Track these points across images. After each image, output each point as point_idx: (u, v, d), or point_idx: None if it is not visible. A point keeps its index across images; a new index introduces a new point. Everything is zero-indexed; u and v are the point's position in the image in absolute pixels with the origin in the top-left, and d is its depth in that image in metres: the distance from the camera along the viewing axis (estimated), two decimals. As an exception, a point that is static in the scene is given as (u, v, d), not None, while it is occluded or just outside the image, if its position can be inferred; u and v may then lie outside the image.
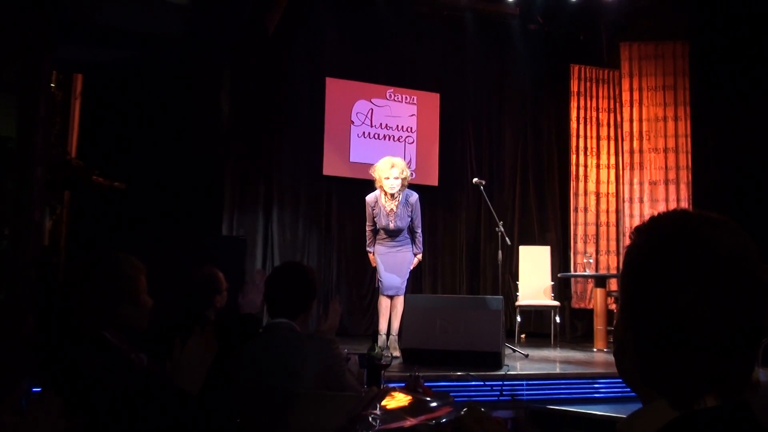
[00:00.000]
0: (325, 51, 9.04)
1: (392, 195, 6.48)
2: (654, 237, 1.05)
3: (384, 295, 6.60)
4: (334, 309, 3.33)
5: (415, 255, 6.73)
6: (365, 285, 8.97)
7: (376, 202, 6.57)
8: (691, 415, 0.99)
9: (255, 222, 8.48)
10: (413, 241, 6.72)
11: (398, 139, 9.29)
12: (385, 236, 6.62)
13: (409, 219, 6.58)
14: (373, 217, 6.62)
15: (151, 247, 5.57)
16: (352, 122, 9.09)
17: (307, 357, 2.83)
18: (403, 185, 6.53)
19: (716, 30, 9.03)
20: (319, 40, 8.98)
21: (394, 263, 6.58)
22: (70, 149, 6.05)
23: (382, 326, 6.56)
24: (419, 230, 6.74)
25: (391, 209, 6.50)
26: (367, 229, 6.75)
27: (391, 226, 6.49)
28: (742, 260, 0.99)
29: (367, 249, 6.84)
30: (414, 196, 6.64)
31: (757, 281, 0.99)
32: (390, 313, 6.54)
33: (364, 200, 6.74)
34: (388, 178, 6.44)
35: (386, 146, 9.19)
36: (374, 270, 7.04)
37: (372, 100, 9.23)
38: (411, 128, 9.38)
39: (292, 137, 8.77)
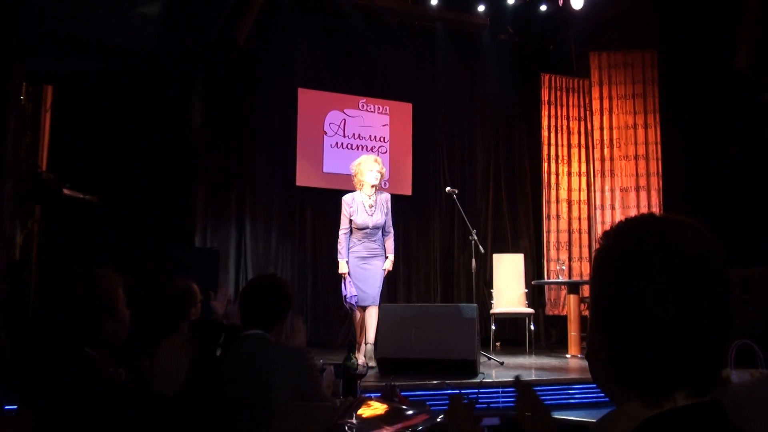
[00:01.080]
0: (297, 62, 9.04)
1: (372, 187, 6.56)
2: (621, 240, 1.07)
3: (358, 306, 6.55)
4: (299, 327, 3.34)
5: (386, 258, 6.69)
6: (342, 295, 8.95)
7: (353, 199, 6.60)
8: (664, 414, 1.00)
9: (228, 233, 8.44)
10: (384, 244, 6.69)
11: (371, 149, 9.31)
12: (360, 239, 6.58)
13: (385, 217, 6.62)
14: (350, 217, 6.58)
15: (124, 259, 5.52)
16: (325, 133, 9.10)
17: (282, 368, 2.82)
18: (381, 180, 6.68)
19: (684, 38, 9.15)
20: (290, 51, 8.98)
21: (366, 276, 6.55)
22: (40, 162, 5.99)
23: (368, 337, 6.47)
24: (391, 230, 6.76)
25: (370, 205, 6.56)
26: (340, 234, 6.66)
27: (370, 223, 6.51)
28: (708, 260, 1.02)
29: (339, 257, 6.66)
30: (386, 195, 6.77)
31: (723, 280, 1.02)
32: (366, 322, 6.52)
33: (340, 202, 6.71)
34: (371, 171, 6.55)
35: (359, 156, 9.20)
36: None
37: (345, 110, 9.25)
38: (384, 138, 9.41)
39: (264, 148, 8.75)
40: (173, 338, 3.62)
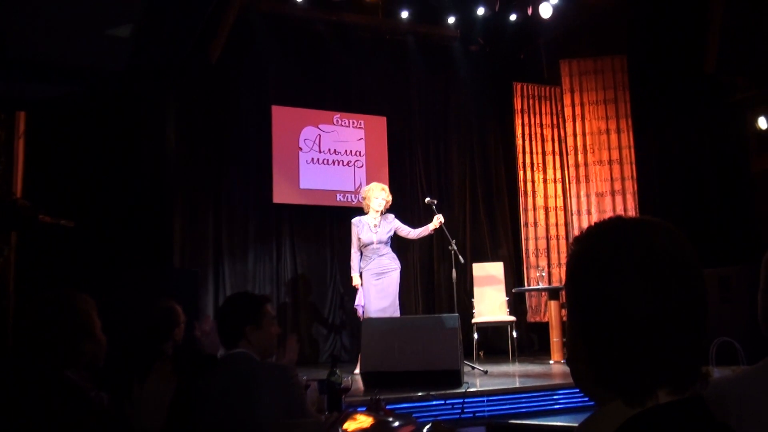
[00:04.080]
0: (270, 79, 9.04)
1: (376, 211, 7.18)
2: (591, 244, 1.09)
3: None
4: (291, 345, 3.33)
5: (423, 227, 7.36)
6: (324, 312, 8.95)
7: (360, 221, 7.25)
8: (646, 412, 1.01)
9: (206, 253, 8.39)
10: (395, 258, 7.29)
11: (347, 164, 9.33)
12: (371, 256, 7.16)
13: (390, 234, 7.24)
14: (358, 236, 7.19)
15: (104, 283, 5.49)
16: (301, 149, 9.10)
17: (267, 386, 2.81)
18: (386, 205, 7.27)
19: (652, 43, 9.28)
20: (263, 68, 8.98)
21: (380, 289, 7.07)
22: (15, 189, 5.94)
23: None
24: (411, 228, 7.41)
25: (374, 224, 7.18)
26: (352, 252, 7.31)
27: (374, 239, 7.12)
28: (677, 258, 1.03)
29: (351, 272, 7.28)
30: (391, 216, 7.38)
31: (694, 276, 1.04)
32: None
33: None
34: (377, 198, 7.19)
35: (336, 171, 9.22)
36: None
37: (319, 126, 9.25)
38: (359, 152, 9.43)
39: (240, 166, 8.73)
40: (161, 365, 3.59)
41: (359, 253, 7.26)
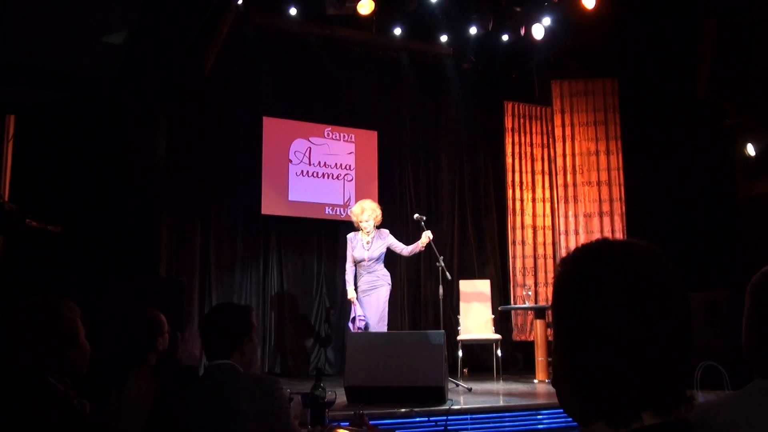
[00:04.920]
0: (262, 90, 9.05)
1: (367, 232, 7.29)
2: (578, 266, 1.09)
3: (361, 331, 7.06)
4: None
5: (414, 244, 7.39)
6: (309, 324, 8.92)
7: (354, 236, 7.39)
8: None
9: (193, 263, 8.36)
10: (385, 276, 7.33)
11: (337, 177, 9.33)
12: (361, 272, 7.31)
13: (383, 251, 7.32)
14: (352, 252, 7.32)
15: (89, 291, 5.45)
16: (290, 161, 9.10)
17: (251, 397, 2.79)
18: (378, 221, 7.38)
19: (643, 66, 9.34)
20: (255, 80, 9.00)
21: (368, 305, 7.20)
22: (2, 192, 5.90)
23: None
24: (404, 245, 7.46)
25: (367, 241, 7.29)
26: (347, 266, 7.43)
27: (366, 256, 7.23)
28: (663, 281, 1.04)
29: (347, 287, 7.42)
30: (386, 232, 7.46)
31: (679, 299, 1.05)
32: None
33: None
34: (361, 222, 7.31)
35: (325, 184, 9.23)
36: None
37: (310, 138, 9.26)
38: (349, 166, 9.44)
39: (229, 177, 8.73)
40: (140, 369, 3.57)
41: (354, 268, 7.39)
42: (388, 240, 7.38)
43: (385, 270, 7.36)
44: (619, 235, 9.27)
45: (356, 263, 7.34)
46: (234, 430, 2.71)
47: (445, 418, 5.44)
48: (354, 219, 7.40)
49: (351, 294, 7.37)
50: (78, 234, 6.48)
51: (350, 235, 7.45)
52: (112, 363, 3.50)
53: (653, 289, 1.03)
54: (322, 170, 9.29)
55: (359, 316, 7.27)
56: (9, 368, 2.26)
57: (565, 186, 9.65)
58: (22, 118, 6.39)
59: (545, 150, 10.04)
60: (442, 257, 7.28)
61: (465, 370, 8.47)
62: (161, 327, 3.85)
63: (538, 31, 8.78)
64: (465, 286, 8.88)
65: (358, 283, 7.31)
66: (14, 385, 2.22)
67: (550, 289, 9.68)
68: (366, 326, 7.19)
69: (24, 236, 5.28)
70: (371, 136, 9.65)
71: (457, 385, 7.07)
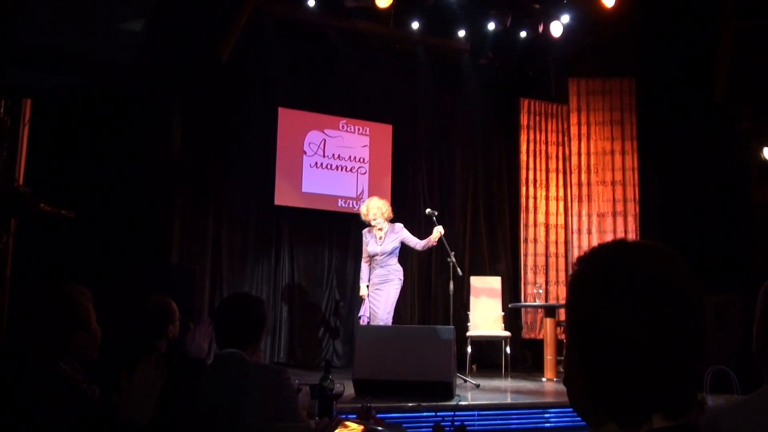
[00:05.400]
0: (279, 81, 9.05)
1: (379, 228, 7.34)
2: (594, 266, 1.09)
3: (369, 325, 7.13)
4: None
5: (426, 238, 7.38)
6: (319, 315, 8.93)
7: (369, 231, 7.45)
8: None
9: (204, 251, 8.38)
10: (396, 270, 7.34)
11: (350, 170, 9.33)
12: (373, 266, 7.37)
13: (396, 245, 7.33)
14: (366, 247, 7.39)
15: (100, 276, 5.47)
16: (305, 152, 9.10)
17: (258, 388, 2.80)
18: (385, 217, 7.36)
19: (661, 67, 9.29)
20: (272, 70, 8.99)
21: (378, 299, 7.22)
22: (17, 176, 5.92)
23: None
24: (418, 240, 7.43)
25: (380, 237, 7.34)
26: (362, 262, 7.53)
27: (378, 250, 7.27)
28: (678, 284, 1.04)
29: (360, 283, 7.52)
30: (399, 226, 7.46)
31: (694, 304, 1.04)
32: None
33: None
34: (369, 221, 7.36)
35: (338, 177, 9.22)
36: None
37: (325, 130, 9.26)
38: (363, 159, 9.43)
39: (243, 166, 8.73)
40: (150, 356, 3.57)
41: (368, 263, 7.46)
42: (401, 234, 7.39)
43: (398, 265, 7.37)
44: (631, 235, 9.22)
45: (371, 258, 7.39)
46: (242, 419, 2.72)
47: (452, 413, 5.44)
48: (363, 219, 7.45)
49: (363, 291, 7.45)
50: (91, 220, 6.51)
51: (365, 231, 7.49)
52: (122, 349, 3.51)
53: (668, 292, 1.03)
54: (335, 162, 9.29)
55: (363, 315, 7.37)
56: (20, 352, 2.27)
57: (579, 185, 9.61)
58: (38, 103, 6.41)
59: (560, 148, 10.00)
60: (453, 253, 7.27)
61: (473, 367, 8.46)
62: (172, 314, 3.86)
63: (556, 28, 8.74)
64: (476, 282, 8.87)
65: (371, 276, 7.36)
66: (24, 369, 2.22)
67: (561, 287, 9.70)
68: (367, 321, 7.27)
69: (37, 220, 5.31)
70: (386, 130, 9.63)
71: (465, 381, 7.07)
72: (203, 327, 3.44)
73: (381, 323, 7.05)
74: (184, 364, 3.35)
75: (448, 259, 7.27)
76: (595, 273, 1.08)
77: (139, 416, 2.14)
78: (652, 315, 1.01)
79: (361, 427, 3.31)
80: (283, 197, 8.86)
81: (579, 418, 1.12)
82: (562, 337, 7.99)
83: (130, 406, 2.15)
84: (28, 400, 2.12)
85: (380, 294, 7.24)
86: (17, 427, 1.96)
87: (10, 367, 2.22)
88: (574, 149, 9.69)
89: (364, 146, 9.47)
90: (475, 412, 5.59)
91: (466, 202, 9.96)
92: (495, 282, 8.89)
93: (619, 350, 1.02)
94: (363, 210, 7.44)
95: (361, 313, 7.42)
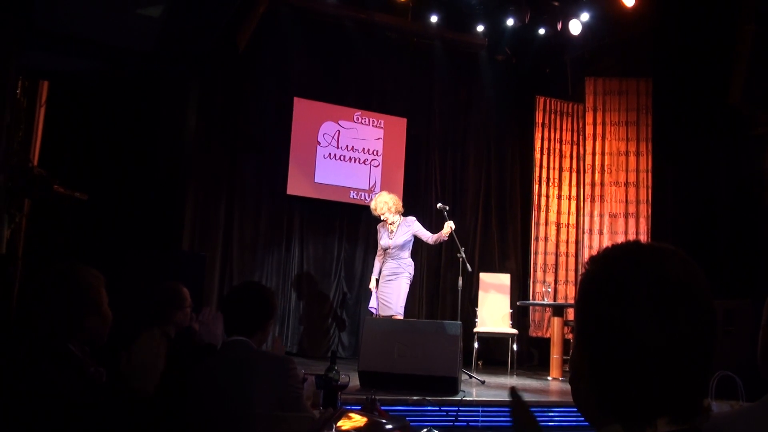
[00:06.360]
0: (295, 71, 9.06)
1: (391, 222, 7.40)
2: (606, 266, 1.09)
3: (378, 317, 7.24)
4: (278, 346, 3.36)
5: (438, 233, 7.38)
6: (326, 306, 8.95)
7: (382, 225, 7.52)
8: None
9: (215, 239, 8.41)
10: (406, 265, 7.38)
11: (364, 162, 9.33)
12: (385, 259, 7.44)
13: (408, 239, 7.37)
14: (380, 240, 7.50)
15: (110, 260, 5.50)
16: (319, 143, 9.11)
17: (264, 376, 2.81)
18: (393, 211, 7.40)
19: (678, 69, 9.23)
20: (289, 60, 9.00)
21: (389, 291, 7.27)
22: (32, 157, 5.97)
23: None
24: (430, 234, 7.42)
25: (391, 231, 7.40)
26: (376, 257, 7.64)
27: (390, 244, 7.33)
28: (691, 288, 1.03)
29: (373, 276, 7.60)
30: (412, 219, 7.52)
31: (706, 308, 1.04)
32: None
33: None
34: (379, 216, 7.43)
35: (352, 168, 9.23)
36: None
37: (339, 121, 9.27)
38: (377, 151, 9.43)
39: (256, 155, 8.76)
40: (152, 331, 3.58)
41: (381, 257, 7.53)
42: (413, 227, 7.40)
43: (410, 260, 7.41)
44: (643, 237, 9.19)
45: (383, 251, 7.45)
46: (246, 404, 2.73)
47: (456, 408, 5.45)
48: (374, 215, 7.51)
49: (372, 284, 7.57)
50: (103, 203, 6.55)
51: (379, 225, 7.56)
52: (126, 329, 3.52)
53: (680, 296, 1.03)
54: (349, 154, 9.29)
55: (371, 307, 7.51)
56: (31, 333, 2.29)
57: (593, 185, 9.58)
58: (55, 85, 6.45)
59: (575, 147, 9.96)
60: (463, 248, 7.28)
61: (479, 363, 8.46)
62: (182, 300, 3.86)
63: (575, 26, 8.71)
64: (485, 278, 8.87)
65: (382, 269, 7.43)
66: (34, 350, 2.24)
67: (570, 287, 9.68)
68: (375, 313, 7.38)
69: (51, 202, 5.34)
70: (400, 123, 9.63)
71: (471, 376, 7.08)
72: (214, 315, 3.44)
73: (392, 312, 7.11)
74: (195, 349, 3.36)
75: (458, 254, 7.27)
76: (609, 272, 1.08)
77: (141, 386, 2.15)
78: (663, 317, 1.01)
79: (365, 419, 3.32)
80: (295, 187, 8.87)
81: (583, 419, 1.12)
82: (570, 336, 7.98)
83: (130, 377, 2.16)
84: (34, 378, 2.13)
85: (391, 286, 7.28)
86: (22, 402, 1.97)
87: (20, 345, 2.24)
88: (589, 149, 9.66)
89: (378, 139, 9.47)
90: (479, 408, 5.60)
91: (477, 198, 9.95)
92: (504, 279, 8.89)
93: (628, 351, 1.02)
94: (372, 206, 7.50)
95: (371, 305, 7.53)
